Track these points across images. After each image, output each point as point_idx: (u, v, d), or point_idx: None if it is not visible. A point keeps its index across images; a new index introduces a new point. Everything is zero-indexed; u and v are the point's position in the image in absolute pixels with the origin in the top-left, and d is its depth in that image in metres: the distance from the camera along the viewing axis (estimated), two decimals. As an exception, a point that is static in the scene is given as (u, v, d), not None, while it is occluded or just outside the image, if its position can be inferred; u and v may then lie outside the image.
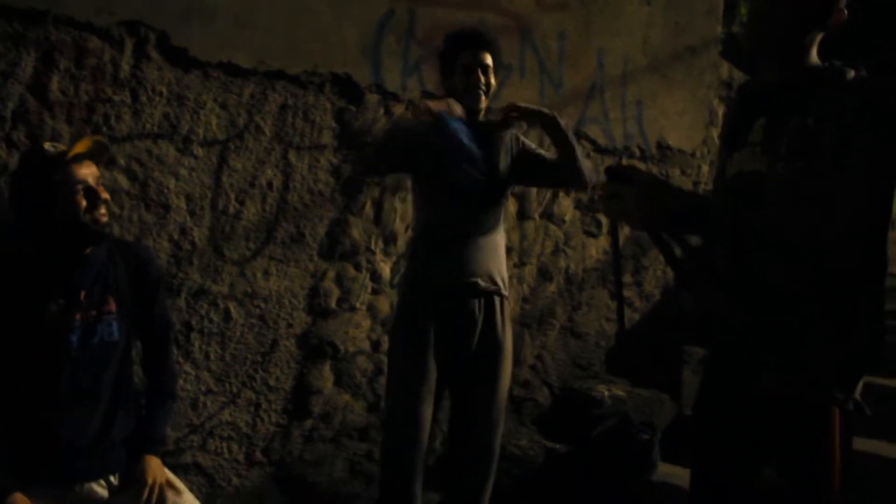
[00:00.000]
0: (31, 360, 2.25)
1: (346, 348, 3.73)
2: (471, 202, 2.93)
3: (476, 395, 3.02)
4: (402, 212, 3.78)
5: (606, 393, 4.46)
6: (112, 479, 2.36)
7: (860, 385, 1.83)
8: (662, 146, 4.94)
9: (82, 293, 2.31)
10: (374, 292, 3.81)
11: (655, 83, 4.88)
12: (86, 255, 2.34)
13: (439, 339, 2.93)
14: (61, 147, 2.32)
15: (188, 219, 3.24)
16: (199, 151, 3.26)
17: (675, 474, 4.09)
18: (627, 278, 4.89)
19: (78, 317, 2.29)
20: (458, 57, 2.95)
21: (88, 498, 2.30)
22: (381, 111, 3.70)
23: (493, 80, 2.97)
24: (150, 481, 2.31)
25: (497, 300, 3.01)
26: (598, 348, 4.83)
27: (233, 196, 3.34)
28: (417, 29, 3.81)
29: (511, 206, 4.26)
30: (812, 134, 1.74)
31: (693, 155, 5.18)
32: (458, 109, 2.79)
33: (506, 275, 3.07)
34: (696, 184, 5.21)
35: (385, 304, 3.83)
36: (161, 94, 3.15)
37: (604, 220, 4.64)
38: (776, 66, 1.94)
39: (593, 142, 4.55)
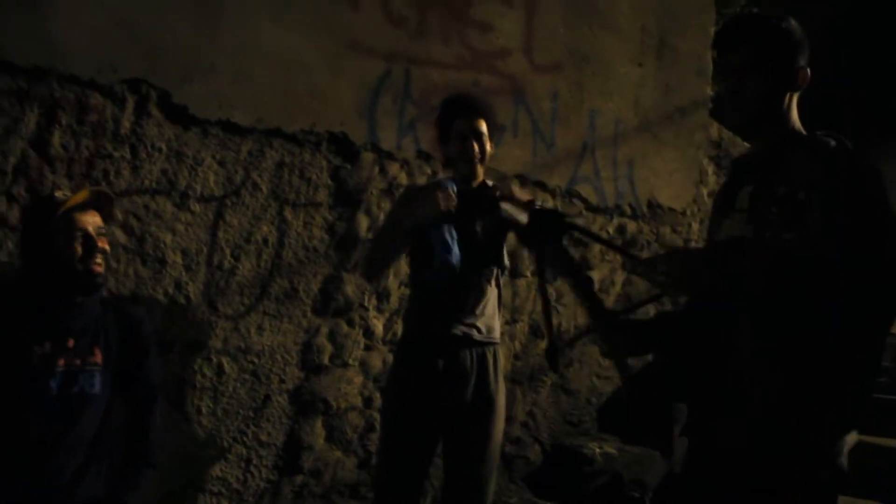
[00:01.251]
0: (7, 401, 2.21)
1: (339, 404, 3.74)
2: (460, 272, 2.98)
3: (468, 450, 3.02)
4: (396, 268, 3.81)
5: (597, 450, 4.46)
6: None
7: (843, 451, 1.84)
8: (653, 205, 5.01)
9: (70, 340, 2.29)
10: (367, 348, 3.83)
11: (646, 143, 4.96)
12: (78, 303, 2.33)
13: (431, 394, 2.93)
14: (69, 195, 2.35)
15: (183, 273, 3.27)
16: (196, 207, 3.29)
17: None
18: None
19: (61, 363, 2.25)
20: (454, 124, 2.99)
21: None
22: (377, 170, 3.76)
23: (487, 147, 3.01)
24: None
25: (490, 352, 3.03)
26: (589, 405, 4.84)
27: (228, 252, 3.37)
28: (413, 89, 3.88)
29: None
30: (802, 207, 1.78)
31: (683, 213, 5.25)
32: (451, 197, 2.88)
33: (498, 328, 3.10)
34: (686, 241, 5.27)
35: (377, 360, 3.85)
36: (160, 150, 3.19)
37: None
38: (759, 138, 2.00)
39: (585, 200, 4.61)
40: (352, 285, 3.72)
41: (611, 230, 4.79)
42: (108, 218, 2.42)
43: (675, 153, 5.14)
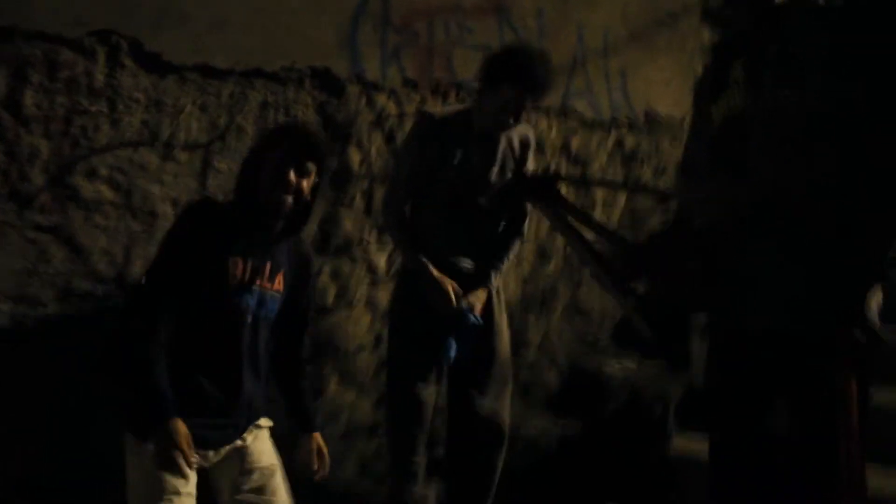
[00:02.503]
0: (209, 315, 2.32)
1: (348, 346, 3.69)
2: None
3: (476, 372, 3.05)
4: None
5: (617, 366, 4.42)
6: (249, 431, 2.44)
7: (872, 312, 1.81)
8: (650, 115, 4.89)
9: (267, 264, 2.39)
10: (372, 284, 3.76)
11: (638, 53, 4.83)
12: (276, 233, 2.41)
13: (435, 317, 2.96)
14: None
15: (176, 225, 3.20)
16: (181, 156, 3.20)
17: (691, 446, 4.02)
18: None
19: (257, 283, 2.36)
20: (501, 83, 2.87)
21: (226, 457, 2.39)
22: (364, 102, 3.65)
23: (522, 116, 2.96)
24: (326, 456, 2.58)
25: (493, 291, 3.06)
26: (603, 324, 4.78)
27: (220, 198, 3.29)
28: (393, 16, 3.75)
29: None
30: (796, 60, 1.74)
31: (682, 121, 5.13)
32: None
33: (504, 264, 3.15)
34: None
35: (384, 297, 3.78)
36: (138, 101, 3.09)
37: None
38: (745, 12, 1.94)
39: (580, 116, 4.50)
40: (350, 221, 3.65)
41: (609, 145, 4.68)
42: (319, 160, 2.43)
43: (669, 61, 5.01)
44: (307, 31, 3.49)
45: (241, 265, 2.33)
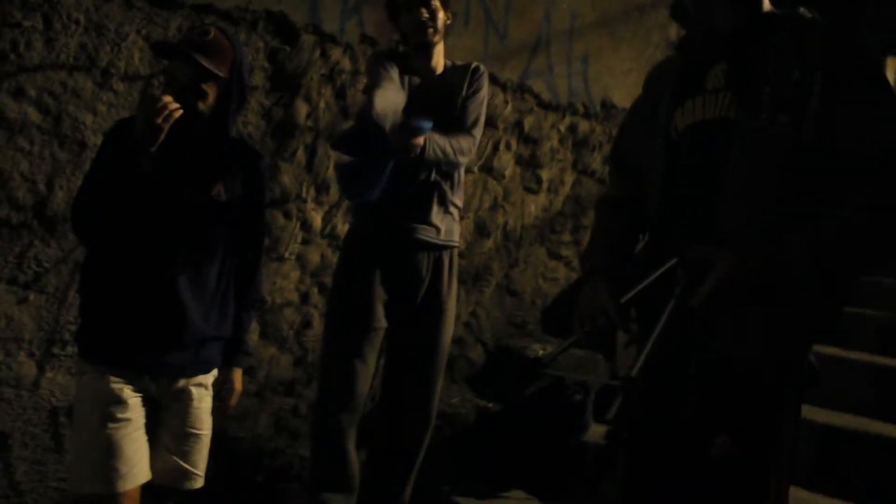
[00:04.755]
0: (139, 235, 2.21)
1: (273, 300, 3.60)
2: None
3: (414, 352, 2.96)
4: (336, 159, 3.63)
5: (541, 352, 4.41)
6: (201, 378, 2.37)
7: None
8: (607, 104, 4.86)
9: (201, 173, 2.28)
10: (305, 242, 3.67)
11: (603, 40, 4.78)
12: (206, 143, 2.30)
13: (382, 290, 2.88)
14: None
15: (106, 158, 3.06)
16: (119, 86, 3.06)
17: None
18: (565, 237, 4.82)
19: (187, 197, 2.25)
20: (400, 7, 2.83)
21: (175, 394, 2.32)
22: (318, 53, 3.53)
23: (440, 14, 2.82)
24: (237, 394, 2.53)
25: (447, 255, 2.95)
26: (534, 307, 4.77)
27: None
28: (360, -32, 3.64)
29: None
30: (799, 87, 1.68)
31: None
32: None
33: (457, 230, 3.01)
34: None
35: (315, 255, 3.70)
36: (78, 22, 2.93)
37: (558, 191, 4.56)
38: (730, 10, 1.84)
39: (537, 96, 4.44)
40: (289, 175, 3.54)
41: (562, 129, 4.64)
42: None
43: (632, 52, 4.97)
44: (268, -30, 3.36)
45: (167, 175, 2.21)
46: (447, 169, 2.87)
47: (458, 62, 2.99)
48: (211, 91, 2.25)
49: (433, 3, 2.81)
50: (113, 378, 2.20)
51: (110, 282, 2.24)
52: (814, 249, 1.66)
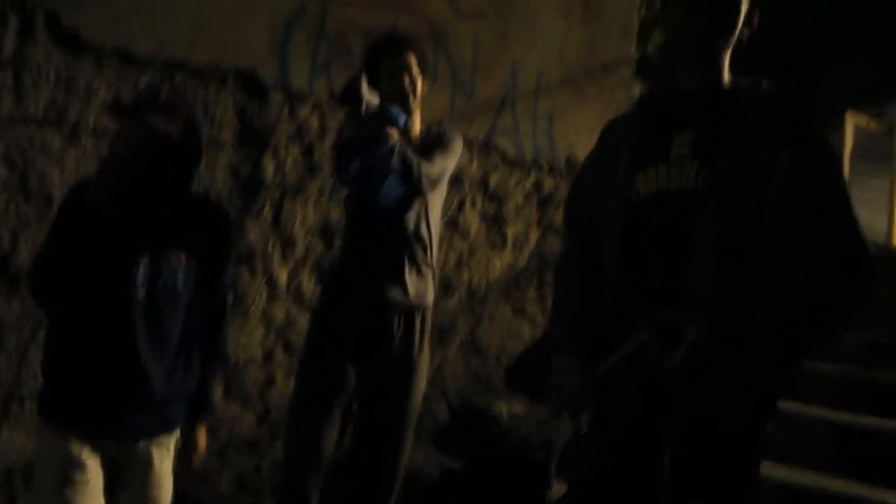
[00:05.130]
0: (99, 295, 2.18)
1: (238, 357, 3.57)
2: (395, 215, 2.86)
3: (385, 414, 2.94)
4: (303, 216, 3.64)
5: (505, 410, 4.40)
6: (163, 438, 2.31)
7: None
8: (572, 161, 4.91)
9: (161, 233, 2.24)
10: (270, 299, 3.65)
11: (568, 98, 4.85)
12: (163, 202, 2.26)
13: (355, 348, 2.86)
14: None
15: (71, 213, 3.04)
16: (87, 142, 3.05)
17: (571, 494, 4.06)
18: (531, 293, 4.84)
19: (146, 257, 2.20)
20: (381, 62, 2.86)
21: (136, 456, 2.26)
22: (286, 111, 3.56)
23: (419, 82, 2.87)
24: (201, 453, 2.45)
25: (418, 316, 2.94)
26: (499, 363, 4.77)
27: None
28: (329, 28, 3.69)
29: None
30: (765, 167, 1.73)
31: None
32: None
33: (431, 291, 3.01)
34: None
35: (280, 312, 3.68)
36: (48, 77, 2.94)
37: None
38: (696, 73, 1.88)
39: (502, 154, 4.49)
40: (255, 232, 3.54)
41: (527, 186, 4.68)
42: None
43: (597, 110, 5.04)
44: (237, 29, 3.40)
45: (125, 236, 2.19)
46: (415, 191, 2.84)
47: (433, 126, 3.02)
48: (163, 150, 2.22)
49: (413, 70, 2.85)
50: (73, 439, 2.15)
51: (70, 341, 2.20)
52: (779, 319, 1.72)
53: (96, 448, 2.19)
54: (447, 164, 2.97)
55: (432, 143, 2.93)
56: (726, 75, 1.88)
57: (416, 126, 2.95)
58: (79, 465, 2.14)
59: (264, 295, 3.63)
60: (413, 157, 2.76)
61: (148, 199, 2.25)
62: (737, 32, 1.84)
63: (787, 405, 3.99)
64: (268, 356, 3.68)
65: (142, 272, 2.21)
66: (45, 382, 2.25)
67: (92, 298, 2.19)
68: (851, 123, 8.16)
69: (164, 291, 2.25)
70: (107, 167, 2.15)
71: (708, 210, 1.76)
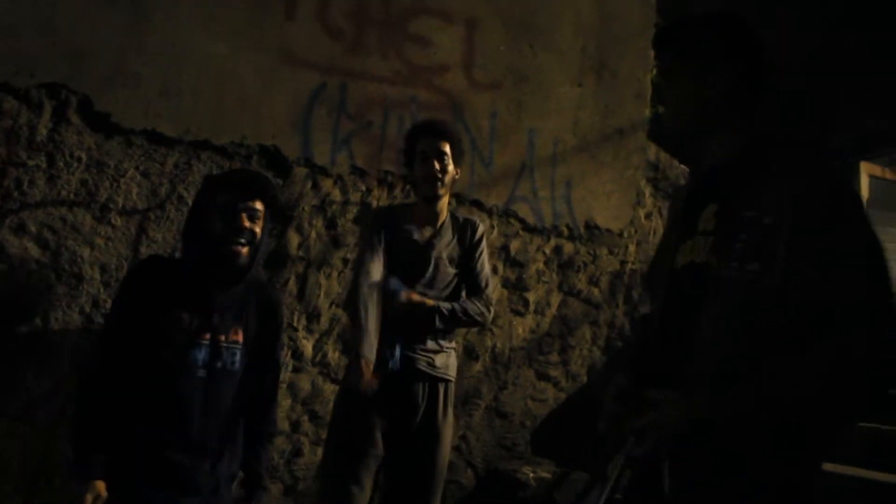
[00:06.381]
0: (158, 369, 2.25)
1: (264, 428, 3.59)
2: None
3: (412, 480, 2.99)
4: (327, 287, 3.69)
5: (531, 475, 4.38)
6: None
7: None
8: (590, 226, 4.96)
9: (215, 316, 2.33)
10: (296, 370, 3.69)
11: (584, 164, 4.92)
12: (221, 280, 2.37)
13: (380, 417, 2.92)
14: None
15: (102, 291, 3.10)
16: (117, 220, 3.14)
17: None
18: (553, 357, 4.85)
19: (206, 337, 2.30)
20: (417, 145, 3.03)
21: None
22: (309, 185, 3.64)
23: (450, 167, 3.03)
24: None
25: (442, 387, 3.02)
26: (524, 428, 4.75)
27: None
28: (349, 103, 3.78)
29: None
30: (768, 233, 1.65)
31: (620, 235, 5.21)
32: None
33: (454, 362, 3.10)
34: (622, 263, 5.24)
35: (306, 383, 3.71)
36: (80, 159, 3.04)
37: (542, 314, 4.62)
38: (718, 146, 1.87)
39: (522, 220, 4.55)
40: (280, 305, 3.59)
41: (547, 251, 4.73)
42: (269, 204, 2.43)
43: (613, 174, 5.11)
44: (260, 107, 3.49)
45: (187, 319, 2.27)
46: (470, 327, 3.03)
47: (458, 215, 3.18)
48: (259, 228, 2.39)
49: (446, 158, 3.01)
50: None
51: (126, 422, 2.23)
52: (762, 401, 1.62)
53: None
54: (488, 268, 3.24)
55: (470, 240, 3.14)
56: (758, 132, 1.86)
57: (443, 212, 3.11)
58: None
59: (290, 367, 3.67)
60: (474, 312, 3.06)
61: (221, 285, 2.37)
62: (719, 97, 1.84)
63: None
64: (294, 427, 3.70)
65: (203, 353, 2.29)
66: (95, 458, 2.23)
67: (149, 379, 2.25)
68: (866, 173, 8.16)
69: (222, 370, 2.33)
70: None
71: (712, 285, 1.73)
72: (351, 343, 3.10)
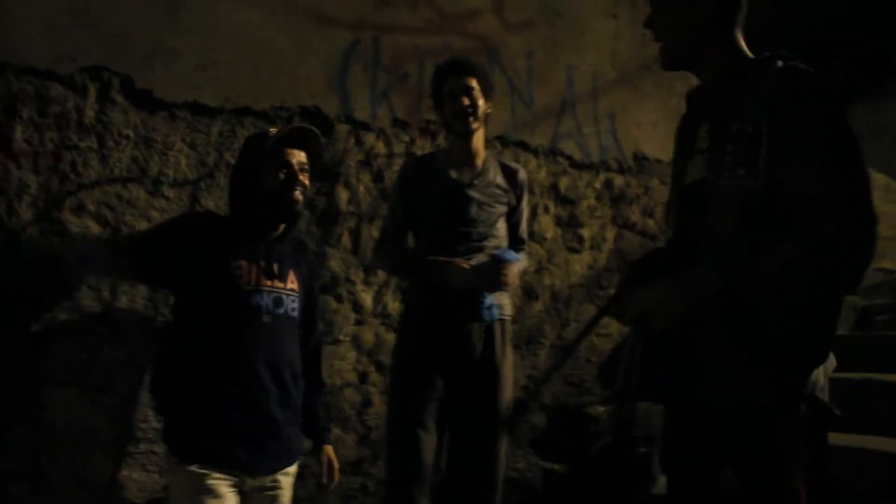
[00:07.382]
0: (224, 321, 2.33)
1: (333, 381, 3.68)
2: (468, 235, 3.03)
3: (476, 420, 3.02)
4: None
5: (601, 408, 4.41)
6: (290, 469, 2.45)
7: (819, 384, 1.82)
8: (639, 157, 4.93)
9: (275, 265, 2.42)
10: (358, 323, 3.77)
11: (627, 95, 4.88)
12: (281, 233, 2.48)
13: (439, 362, 2.97)
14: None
15: (163, 261, 3.21)
16: (169, 193, 3.23)
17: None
18: (614, 291, 4.85)
19: (269, 283, 2.39)
20: (444, 86, 3.03)
21: (267, 487, 2.37)
22: (352, 141, 3.69)
23: (480, 103, 3.02)
24: (337, 471, 2.70)
25: (497, 326, 3.04)
26: (590, 364, 4.78)
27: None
28: (383, 57, 3.81)
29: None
30: (753, 140, 1.75)
31: (670, 164, 5.17)
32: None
33: (508, 303, 3.14)
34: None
35: (369, 335, 3.79)
36: (128, 137, 3.13)
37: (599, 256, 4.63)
38: (709, 68, 1.96)
39: (569, 157, 4.54)
40: (336, 260, 3.67)
41: (598, 186, 4.72)
42: (315, 156, 2.54)
43: (657, 104, 5.06)
44: (297, 69, 3.54)
45: (248, 267, 2.36)
46: None
47: (502, 160, 3.20)
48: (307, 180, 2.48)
49: (474, 92, 3.00)
50: (214, 475, 2.24)
51: (196, 381, 2.31)
52: (751, 276, 1.72)
53: (233, 482, 2.28)
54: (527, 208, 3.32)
55: (513, 186, 3.17)
56: (744, 52, 1.94)
57: (480, 148, 3.10)
58: (218, 498, 2.23)
59: (352, 320, 3.75)
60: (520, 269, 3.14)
61: (271, 236, 2.47)
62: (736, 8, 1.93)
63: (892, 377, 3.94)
64: (362, 378, 3.79)
65: (266, 300, 2.37)
66: (173, 423, 2.35)
67: (220, 324, 2.32)
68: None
69: (285, 315, 2.41)
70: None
71: (711, 198, 1.83)
72: (409, 273, 3.15)
